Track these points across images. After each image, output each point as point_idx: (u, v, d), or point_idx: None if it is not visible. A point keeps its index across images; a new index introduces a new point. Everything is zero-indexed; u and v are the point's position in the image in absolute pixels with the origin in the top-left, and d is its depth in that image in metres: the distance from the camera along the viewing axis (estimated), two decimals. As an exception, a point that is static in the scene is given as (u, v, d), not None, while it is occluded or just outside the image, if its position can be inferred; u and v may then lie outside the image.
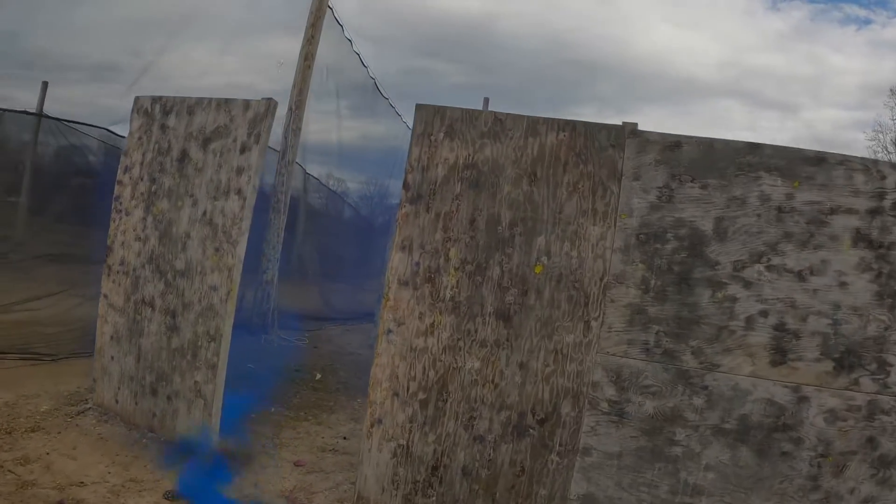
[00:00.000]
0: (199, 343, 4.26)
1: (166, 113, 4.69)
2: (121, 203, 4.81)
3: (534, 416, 3.44)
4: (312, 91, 9.51)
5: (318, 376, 6.99)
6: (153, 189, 4.63)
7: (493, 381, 3.43)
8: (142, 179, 4.70)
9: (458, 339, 3.46)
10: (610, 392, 3.41)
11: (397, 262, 3.61)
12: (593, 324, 3.43)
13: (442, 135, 3.60)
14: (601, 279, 3.42)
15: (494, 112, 3.60)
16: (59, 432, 4.39)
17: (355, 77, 10.86)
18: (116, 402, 4.71)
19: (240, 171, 4.25)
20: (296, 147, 9.18)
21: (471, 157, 3.54)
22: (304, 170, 11.67)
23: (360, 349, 9.32)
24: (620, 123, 3.51)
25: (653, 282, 3.39)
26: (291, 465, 4.43)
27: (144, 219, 4.64)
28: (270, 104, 4.28)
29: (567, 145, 3.49)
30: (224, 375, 4.25)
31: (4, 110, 10.35)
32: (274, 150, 9.88)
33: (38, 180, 10.58)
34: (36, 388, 5.12)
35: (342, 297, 12.73)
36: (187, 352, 4.32)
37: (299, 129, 9.10)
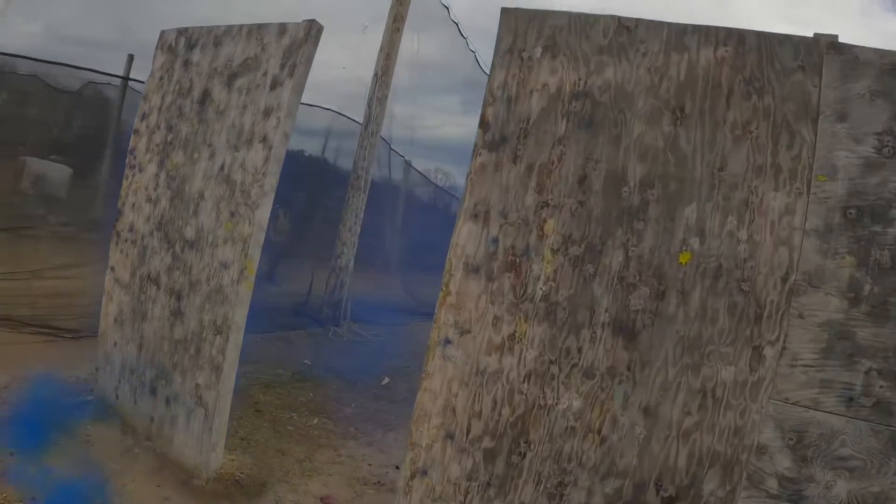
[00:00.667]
0: (204, 335, 3.29)
1: (191, 47, 3.76)
2: (135, 157, 3.95)
3: (658, 492, 2.17)
4: (422, 87, 9.17)
5: (386, 381, 5.94)
6: (169, 139, 3.72)
7: (599, 430, 2.18)
8: (158, 128, 3.81)
9: (551, 362, 2.23)
10: (784, 464, 2.11)
11: (464, 238, 2.44)
12: (767, 351, 2.13)
13: (539, 50, 2.39)
14: (784, 279, 2.11)
15: (618, 17, 2.36)
16: (39, 431, 3.56)
17: (466, 73, 10.63)
18: (116, 397, 3.85)
19: (267, 112, 3.23)
20: (381, 118, 8.12)
21: (582, 83, 2.31)
22: (406, 160, 11.23)
23: None
24: (812, 35, 2.19)
25: (867, 287, 2.05)
26: (316, 503, 3.38)
27: (157, 175, 3.74)
28: (312, 27, 3.23)
29: (731, 66, 2.20)
30: (233, 379, 3.25)
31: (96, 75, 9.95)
32: (356, 121, 9.00)
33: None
34: (40, 370, 4.37)
35: (432, 290, 11.77)
36: (190, 345, 3.36)
37: (385, 97, 8.04)
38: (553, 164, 2.27)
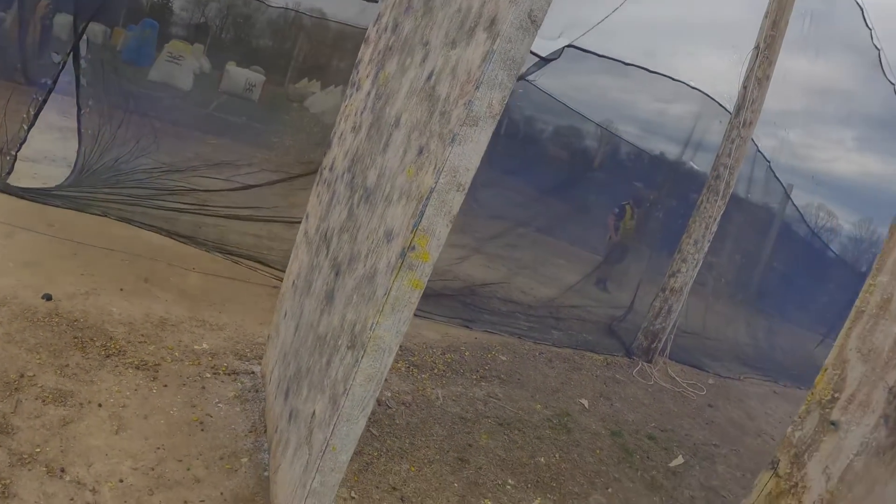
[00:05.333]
0: (339, 342, 2.02)
1: None
2: (357, 71, 2.90)
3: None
4: (815, 115, 7.66)
5: (678, 461, 4.11)
6: (390, 43, 2.54)
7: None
8: (386, 30, 2.66)
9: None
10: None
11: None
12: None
13: None
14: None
15: None
16: (155, 390, 2.80)
17: (869, 105, 8.87)
18: (269, 381, 2.92)
19: (511, -22, 1.74)
20: (759, 105, 6.11)
21: None
22: (784, 188, 9.43)
23: (778, 427, 6.04)
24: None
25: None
26: None
27: (369, 93, 2.60)
28: None
29: None
30: (361, 425, 1.91)
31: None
32: (723, 107, 7.06)
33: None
34: (229, 320, 3.78)
35: (784, 340, 9.75)
36: (325, 349, 2.14)
37: (768, 79, 5.99)
38: None
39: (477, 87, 1.67)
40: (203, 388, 2.93)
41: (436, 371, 4.16)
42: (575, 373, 5.05)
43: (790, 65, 6.33)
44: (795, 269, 11.24)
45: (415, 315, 5.30)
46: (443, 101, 1.84)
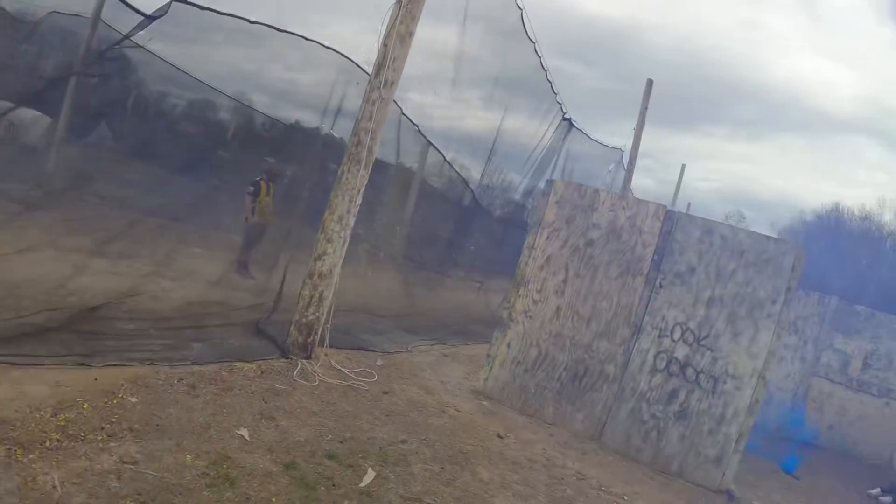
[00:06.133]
0: None
1: None
2: None
3: None
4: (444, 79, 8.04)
5: (370, 477, 3.87)
6: None
7: None
8: None
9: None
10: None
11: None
12: None
13: None
14: None
15: None
16: None
17: (489, 69, 9.89)
18: None
19: None
20: (402, 63, 5.81)
21: None
22: (426, 138, 10.00)
23: (463, 399, 6.19)
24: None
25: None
26: None
27: None
28: None
29: None
30: None
31: None
32: (363, 70, 6.80)
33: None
34: None
35: (447, 296, 10.22)
36: None
37: (411, 35, 5.79)
38: None
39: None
40: None
41: (48, 445, 3.17)
42: (226, 395, 4.52)
43: (427, 32, 6.60)
44: (438, 224, 12.42)
45: (11, 363, 3.96)
46: None
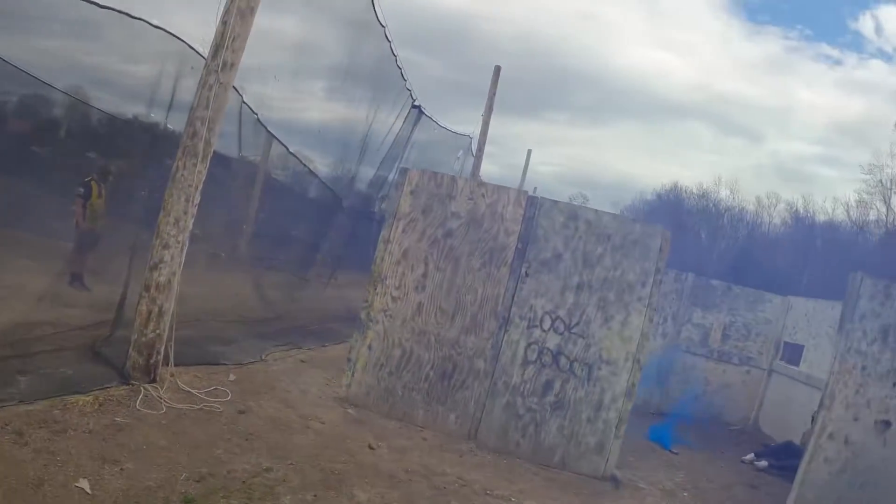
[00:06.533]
0: None
1: None
2: None
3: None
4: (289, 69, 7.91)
5: None
6: None
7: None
8: None
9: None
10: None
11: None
12: None
13: None
14: None
15: None
16: None
17: (334, 59, 9.55)
18: None
19: None
20: (242, 43, 5.13)
21: None
22: (267, 128, 9.20)
23: (327, 409, 5.56)
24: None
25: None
26: None
27: None
28: None
29: None
30: None
31: None
32: (202, 55, 5.93)
33: None
34: None
35: (306, 298, 9.53)
36: None
37: (252, 11, 5.10)
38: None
39: None
40: None
41: None
42: (60, 439, 3.59)
43: (267, 20, 6.02)
44: (286, 220, 11.55)
45: None
46: None
